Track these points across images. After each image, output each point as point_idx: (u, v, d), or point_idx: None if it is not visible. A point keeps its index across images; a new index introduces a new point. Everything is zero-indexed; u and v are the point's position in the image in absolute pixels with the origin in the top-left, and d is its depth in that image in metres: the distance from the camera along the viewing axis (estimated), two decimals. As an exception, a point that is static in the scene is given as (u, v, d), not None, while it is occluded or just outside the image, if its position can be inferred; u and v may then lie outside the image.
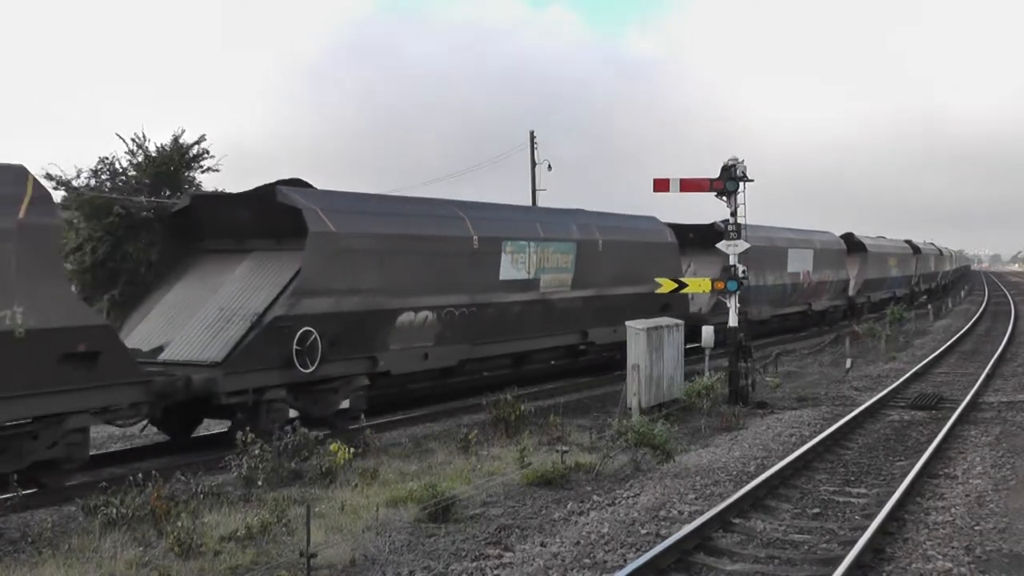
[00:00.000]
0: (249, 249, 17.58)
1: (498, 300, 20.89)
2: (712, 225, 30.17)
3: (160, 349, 15.91)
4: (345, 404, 17.39)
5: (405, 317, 18.53)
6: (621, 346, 20.56)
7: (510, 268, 21.37)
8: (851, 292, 47.04)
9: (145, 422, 15.60)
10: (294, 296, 16.22)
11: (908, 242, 65.51)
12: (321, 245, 16.69)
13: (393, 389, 19.73)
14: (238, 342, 15.60)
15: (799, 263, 38.83)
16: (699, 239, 30.36)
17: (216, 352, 15.52)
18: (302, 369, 16.12)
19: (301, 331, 16.08)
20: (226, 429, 16.63)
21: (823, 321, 43.24)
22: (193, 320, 16.36)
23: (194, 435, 17.22)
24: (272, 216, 16.98)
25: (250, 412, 15.58)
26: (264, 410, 15.80)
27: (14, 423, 12.56)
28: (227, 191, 17.85)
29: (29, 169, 13.03)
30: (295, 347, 15.99)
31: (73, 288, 14.69)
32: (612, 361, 24.69)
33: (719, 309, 28.72)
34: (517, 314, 21.38)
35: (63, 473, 13.35)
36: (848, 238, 48.75)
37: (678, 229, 29.91)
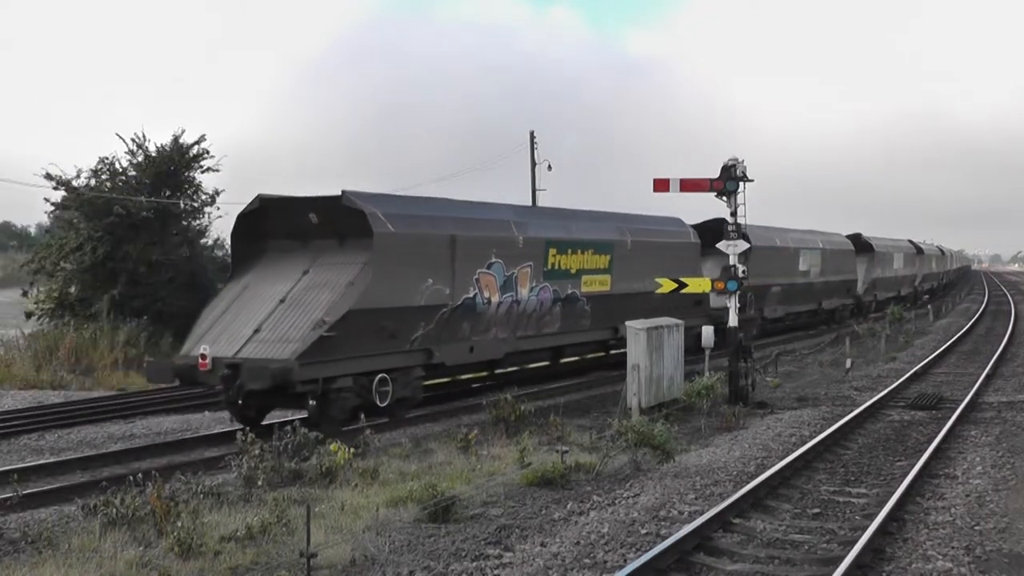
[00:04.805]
0: (712, 253, 28.91)
1: (798, 281, 39.96)
2: (858, 235, 51.20)
3: None
4: (753, 331, 32.46)
5: (772, 290, 36.50)
6: (836, 309, 45.40)
7: (803, 263, 40.53)
8: (916, 283, 63.99)
9: None
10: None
11: (939, 247, 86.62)
12: (759, 254, 32.75)
13: (767, 325, 36.84)
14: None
15: (898, 263, 57.63)
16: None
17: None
18: (747, 311, 29.84)
19: (750, 293, 31.27)
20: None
21: (904, 301, 56.67)
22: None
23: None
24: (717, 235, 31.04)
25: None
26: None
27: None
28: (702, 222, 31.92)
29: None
30: (745, 301, 29.04)
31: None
32: (832, 316, 45.07)
33: (868, 293, 51.16)
34: (805, 288, 40.84)
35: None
36: (911, 243, 65.86)
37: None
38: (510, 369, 22.98)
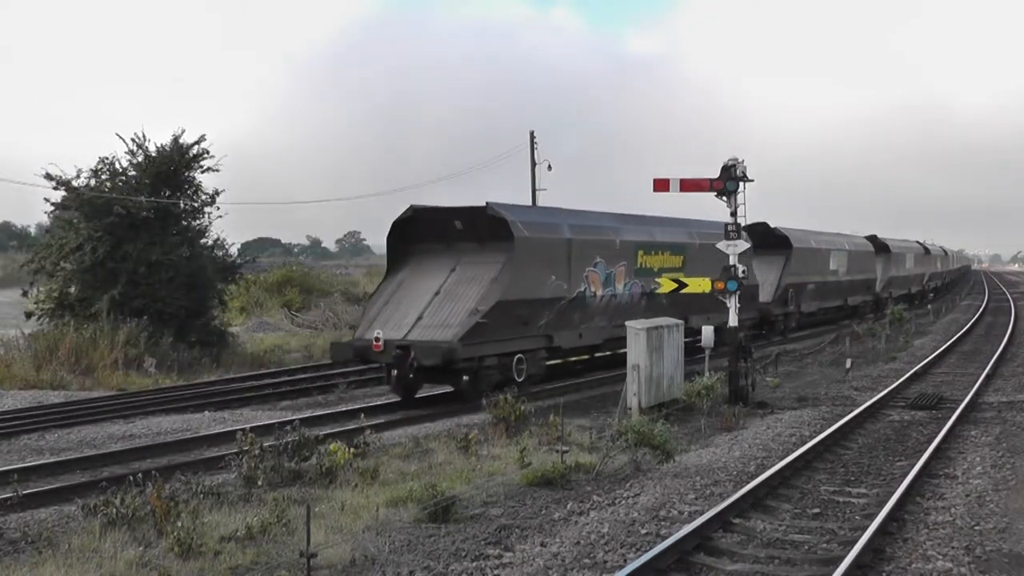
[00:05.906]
0: (757, 254, 33.07)
1: (829, 279, 44.62)
2: (873, 236, 55.65)
3: None
4: (792, 324, 39.87)
5: (808, 287, 41.18)
6: (859, 306, 49.39)
7: (832, 263, 44.97)
8: (924, 282, 70.70)
9: None
10: (785, 275, 38.44)
11: (941, 247, 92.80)
12: (799, 255, 39.54)
13: (803, 319, 41.77)
14: (775, 287, 37.90)
15: (910, 262, 62.77)
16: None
17: None
18: (788, 306, 39.05)
19: (791, 290, 38.78)
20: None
21: (914, 299, 63.37)
22: None
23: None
24: (769, 239, 37.55)
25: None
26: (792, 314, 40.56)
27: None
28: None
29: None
30: (787, 297, 38.44)
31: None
32: (855, 311, 49.00)
33: (885, 290, 54.81)
34: (835, 285, 45.72)
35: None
36: (920, 244, 73.39)
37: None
38: (606, 353, 26.19)
